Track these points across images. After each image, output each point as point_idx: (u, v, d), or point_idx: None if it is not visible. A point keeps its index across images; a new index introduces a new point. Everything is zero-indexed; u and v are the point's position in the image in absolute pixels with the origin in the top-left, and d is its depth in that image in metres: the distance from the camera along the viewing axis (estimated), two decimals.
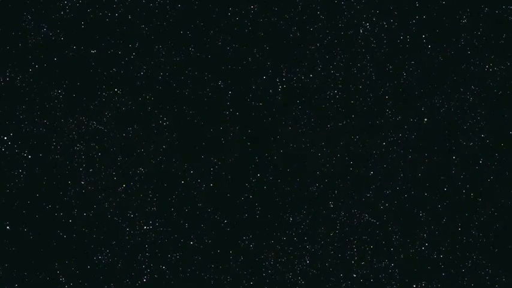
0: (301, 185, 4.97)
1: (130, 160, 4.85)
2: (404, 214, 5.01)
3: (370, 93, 5.01)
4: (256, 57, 4.95)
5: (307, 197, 4.97)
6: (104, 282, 4.80)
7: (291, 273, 4.94)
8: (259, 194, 4.95)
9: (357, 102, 5.01)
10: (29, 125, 4.77)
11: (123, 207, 4.84)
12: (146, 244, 4.84)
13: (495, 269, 5.02)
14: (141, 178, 4.86)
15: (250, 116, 4.95)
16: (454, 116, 5.04)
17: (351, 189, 5.00)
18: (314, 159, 4.98)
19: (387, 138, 5.02)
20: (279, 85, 4.96)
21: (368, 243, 4.99)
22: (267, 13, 4.96)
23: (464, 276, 5.01)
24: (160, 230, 4.86)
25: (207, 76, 4.93)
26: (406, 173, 5.02)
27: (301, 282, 4.94)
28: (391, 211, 5.01)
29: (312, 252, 4.95)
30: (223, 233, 4.91)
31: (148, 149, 4.87)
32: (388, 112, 5.02)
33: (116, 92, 4.85)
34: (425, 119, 5.03)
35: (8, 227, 4.73)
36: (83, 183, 4.80)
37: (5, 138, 4.75)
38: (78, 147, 4.81)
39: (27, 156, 4.76)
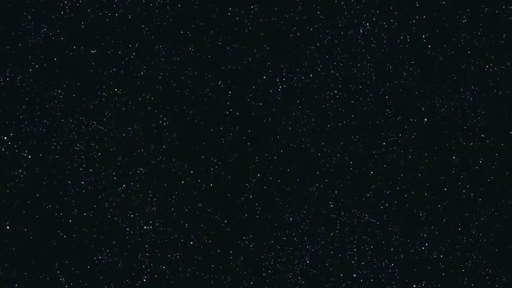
0: (301, 185, 4.97)
1: (130, 160, 4.86)
2: (404, 214, 5.01)
3: (370, 93, 5.01)
4: (256, 57, 4.95)
5: (307, 197, 4.97)
6: (104, 282, 4.80)
7: (291, 273, 4.94)
8: (259, 194, 4.95)
9: (357, 102, 5.01)
10: (29, 125, 4.77)
11: (123, 207, 4.84)
12: (146, 244, 4.84)
13: (495, 269, 5.02)
14: (141, 178, 4.86)
15: (250, 116, 4.95)
16: (454, 116, 5.04)
17: (351, 189, 5.00)
18: (314, 159, 4.98)
19: (387, 138, 5.02)
20: (279, 85, 4.96)
21: (368, 243, 4.99)
22: (267, 13, 4.96)
23: (464, 276, 5.01)
24: (160, 230, 4.86)
25: (207, 76, 4.93)
26: (406, 173, 5.02)
27: (301, 282, 4.94)
28: (391, 211, 5.01)
29: (312, 252, 4.95)
30: (223, 233, 4.91)
31: (148, 149, 4.87)
32: (388, 112, 5.02)
33: (116, 92, 4.85)
34: (425, 119, 5.03)
35: (8, 227, 4.73)
36: (83, 183, 4.80)
37: (5, 138, 4.75)
38: (78, 147, 4.81)
39: (27, 156, 4.76)
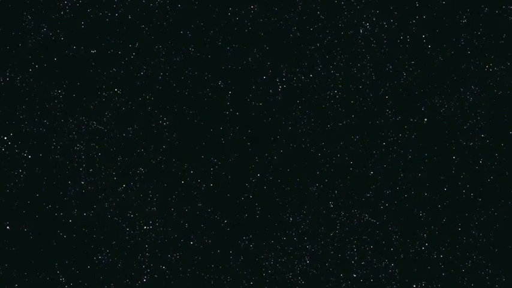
0: (301, 185, 4.97)
1: (130, 160, 4.85)
2: (405, 214, 5.01)
3: (370, 93, 5.01)
4: (256, 57, 4.95)
5: (307, 197, 4.97)
6: (104, 282, 4.80)
7: (291, 273, 4.94)
8: (259, 194, 4.95)
9: (357, 102, 5.01)
10: (29, 125, 4.77)
11: (123, 207, 4.84)
12: (146, 244, 4.84)
13: (495, 269, 5.02)
14: (141, 178, 4.86)
15: (250, 116, 4.95)
16: (454, 116, 5.04)
17: (351, 189, 5.00)
18: (314, 159, 4.98)
19: (387, 138, 5.02)
20: (279, 85, 4.96)
21: (368, 243, 4.99)
22: (267, 13, 4.96)
23: (464, 276, 5.01)
24: (160, 230, 4.86)
25: (207, 76, 4.93)
26: (406, 173, 5.02)
27: (301, 282, 4.94)
28: (391, 211, 5.01)
29: (312, 252, 4.95)
30: (223, 233, 4.92)
31: (148, 149, 4.87)
32: (388, 112, 5.02)
33: (116, 92, 4.85)
34: (425, 119, 5.03)
35: (8, 227, 4.73)
36: (83, 183, 4.80)
37: (5, 138, 4.75)
38: (78, 147, 4.81)
39: (27, 156, 4.76)
